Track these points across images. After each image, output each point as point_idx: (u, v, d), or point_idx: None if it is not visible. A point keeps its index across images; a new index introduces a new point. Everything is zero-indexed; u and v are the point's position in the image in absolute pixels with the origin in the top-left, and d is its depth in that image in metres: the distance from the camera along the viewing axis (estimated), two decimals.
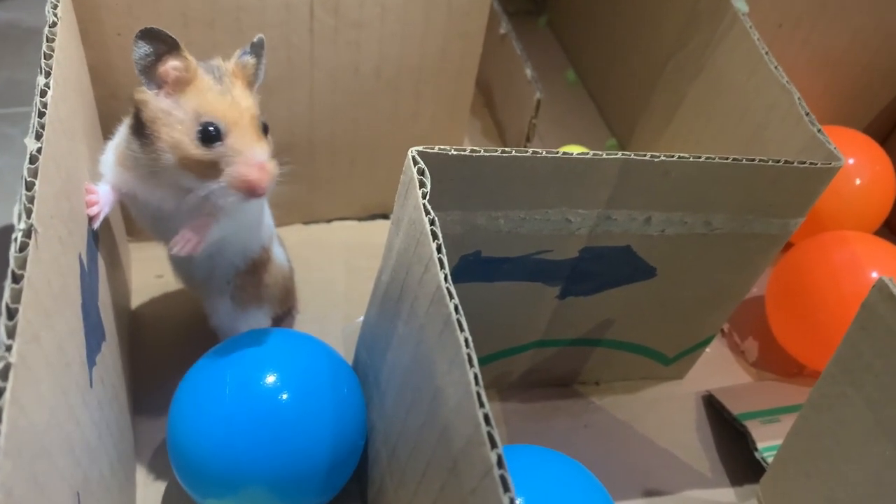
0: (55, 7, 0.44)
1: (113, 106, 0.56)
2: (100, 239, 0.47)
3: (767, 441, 0.55)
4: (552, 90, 0.87)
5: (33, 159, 0.35)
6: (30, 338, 0.30)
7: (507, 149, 0.41)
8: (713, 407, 0.61)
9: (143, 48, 0.42)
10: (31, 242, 0.32)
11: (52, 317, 0.33)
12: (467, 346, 0.33)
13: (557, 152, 0.42)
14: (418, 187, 0.38)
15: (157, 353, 0.59)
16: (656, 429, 0.60)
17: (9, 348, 0.28)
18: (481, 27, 0.61)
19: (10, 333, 0.28)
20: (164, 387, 0.56)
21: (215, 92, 0.42)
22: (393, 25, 0.58)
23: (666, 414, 0.61)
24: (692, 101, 0.64)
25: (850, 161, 0.68)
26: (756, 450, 0.54)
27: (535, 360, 0.57)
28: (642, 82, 0.75)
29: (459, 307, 0.34)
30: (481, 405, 0.31)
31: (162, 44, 0.42)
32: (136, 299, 0.62)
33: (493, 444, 0.30)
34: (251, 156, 0.42)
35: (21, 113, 0.78)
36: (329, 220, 0.71)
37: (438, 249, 0.36)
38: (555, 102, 0.86)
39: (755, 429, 0.56)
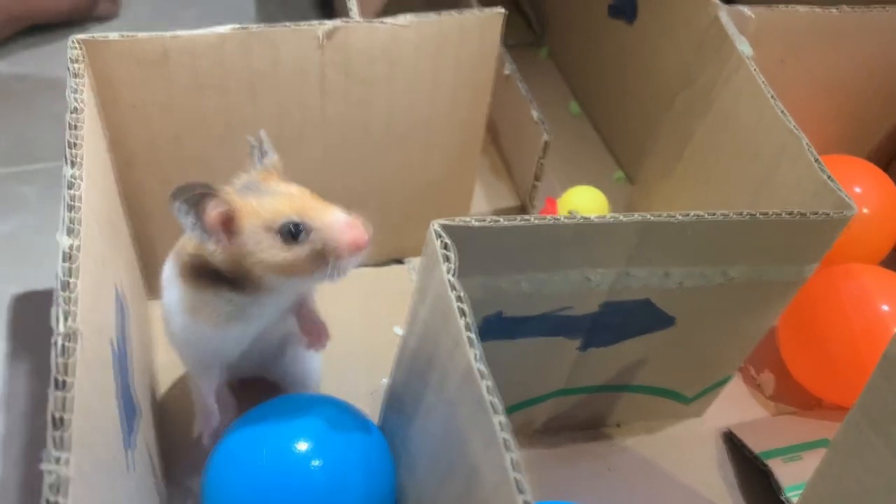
0: (76, 92, 0.45)
1: (128, 174, 0.57)
2: (126, 314, 0.48)
3: (791, 481, 0.55)
4: (556, 122, 0.87)
5: (67, 257, 0.36)
6: (82, 445, 0.30)
7: (526, 217, 0.42)
8: (734, 444, 0.62)
9: (183, 208, 0.41)
10: (78, 347, 0.32)
11: (97, 412, 0.34)
12: (502, 429, 0.33)
13: (578, 218, 0.43)
14: (443, 262, 0.39)
15: (183, 415, 0.59)
16: (679, 469, 0.60)
17: (65, 461, 0.28)
18: (489, 77, 0.62)
19: (64, 444, 0.29)
20: (194, 449, 0.56)
21: (267, 200, 0.42)
22: (401, 82, 0.59)
23: (688, 453, 0.61)
24: (701, 138, 0.65)
25: (857, 190, 0.69)
26: (781, 491, 0.55)
27: (557, 407, 0.58)
28: (649, 116, 0.76)
29: (493, 387, 0.35)
30: (521, 491, 0.32)
31: (195, 195, 0.41)
32: (161, 360, 0.62)
33: None
34: (336, 221, 0.42)
35: (32, 171, 0.78)
36: None
37: (467, 328, 0.37)
38: (559, 135, 0.86)
39: (778, 468, 0.56)
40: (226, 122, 0.56)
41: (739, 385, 0.67)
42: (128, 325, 0.47)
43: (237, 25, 0.52)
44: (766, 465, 0.57)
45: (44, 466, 0.28)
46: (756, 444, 0.59)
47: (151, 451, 0.49)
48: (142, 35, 0.51)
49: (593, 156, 0.87)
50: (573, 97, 0.93)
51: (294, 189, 0.44)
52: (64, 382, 0.31)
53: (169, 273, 0.47)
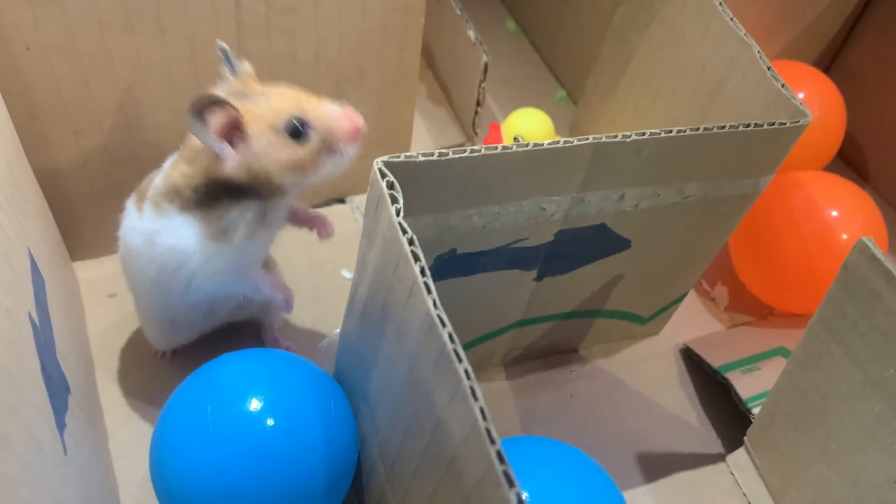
0: None
1: (32, 128, 0.51)
2: (45, 281, 0.43)
3: (750, 391, 0.56)
4: (493, 43, 0.84)
5: None
6: (2, 444, 0.27)
7: (476, 148, 0.39)
8: (692, 359, 0.62)
9: (195, 123, 0.40)
10: None
11: (17, 406, 0.30)
12: (468, 377, 0.31)
13: (528, 145, 0.40)
14: (390, 203, 0.36)
15: (124, 378, 0.56)
16: (640, 389, 0.60)
17: None
18: None
19: None
20: (139, 411, 0.54)
21: (263, 103, 0.42)
22: (328, 7, 0.54)
23: (647, 373, 0.61)
24: (646, 52, 0.62)
25: (800, 95, 0.68)
26: (741, 402, 0.55)
27: (515, 339, 0.57)
28: (589, 32, 0.73)
29: (454, 335, 0.32)
30: (492, 442, 0.30)
31: (199, 106, 0.40)
32: (92, 325, 0.58)
33: (511, 484, 0.29)
34: (331, 113, 0.43)
35: None
36: None
37: (422, 273, 0.34)
38: (497, 56, 0.83)
39: (737, 380, 0.57)
40: (134, 64, 0.50)
41: (694, 300, 0.67)
42: (47, 294, 0.43)
43: None
44: (725, 379, 0.57)
45: None
46: (714, 359, 0.59)
47: (92, 428, 0.46)
48: None
49: (533, 76, 0.84)
50: (509, 14, 0.89)
51: (283, 88, 0.44)
52: None
53: (161, 221, 0.45)
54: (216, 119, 0.41)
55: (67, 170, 0.55)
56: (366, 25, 0.57)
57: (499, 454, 0.30)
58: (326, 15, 0.54)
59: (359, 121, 0.44)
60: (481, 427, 0.30)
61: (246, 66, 0.45)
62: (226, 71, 0.45)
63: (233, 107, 0.41)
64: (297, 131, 0.43)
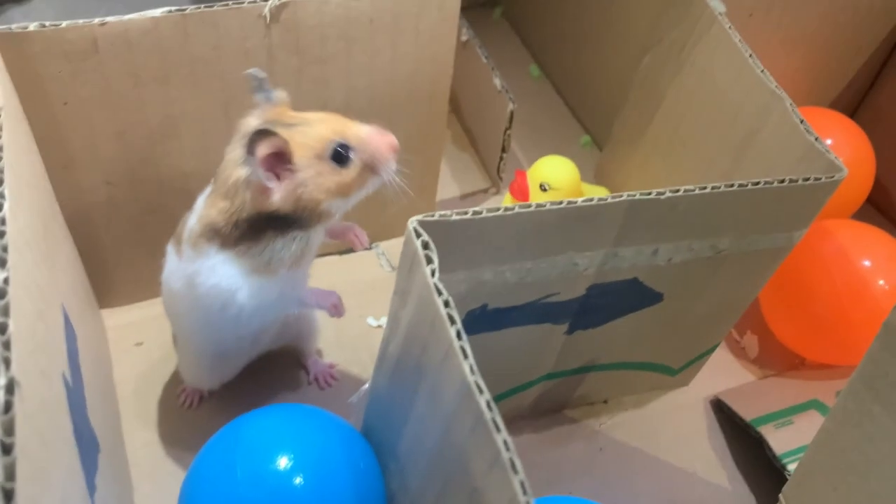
0: None
1: (65, 177, 0.52)
2: (76, 334, 0.43)
3: (785, 447, 0.54)
4: (516, 87, 0.83)
5: (1, 293, 0.31)
6: None
7: (510, 206, 0.39)
8: (722, 411, 0.61)
9: (249, 156, 0.41)
10: (16, 399, 0.28)
11: (50, 472, 0.30)
12: (507, 448, 0.31)
13: (562, 203, 0.40)
14: (425, 264, 0.36)
15: (150, 428, 0.55)
16: (670, 442, 0.59)
17: None
18: (450, 47, 0.58)
19: None
20: (165, 463, 0.53)
21: (304, 131, 0.43)
22: (359, 57, 0.55)
23: (678, 425, 0.60)
24: (674, 100, 0.62)
25: (828, 142, 0.67)
26: (776, 458, 0.54)
27: (544, 390, 0.56)
28: (616, 77, 0.73)
29: (492, 403, 0.32)
30: None
31: (250, 141, 0.40)
32: (119, 373, 0.58)
33: None
34: (368, 134, 0.44)
35: None
36: None
37: (459, 336, 0.34)
38: (521, 101, 0.82)
39: (770, 434, 0.55)
40: (167, 115, 0.51)
41: (722, 349, 0.65)
42: (79, 348, 0.43)
43: (172, 8, 0.47)
44: (758, 434, 0.56)
45: None
46: (746, 411, 0.58)
47: (120, 486, 0.45)
48: (66, 24, 0.45)
49: (557, 121, 0.84)
50: (532, 59, 0.89)
51: (321, 115, 0.45)
52: (12, 445, 0.27)
53: (201, 261, 0.45)
54: (263, 150, 0.41)
55: (98, 218, 0.55)
56: (395, 76, 0.57)
57: None
58: (357, 66, 0.55)
59: (391, 136, 0.45)
60: (521, 502, 0.29)
61: (281, 95, 0.45)
62: (260, 100, 0.45)
63: (281, 137, 0.41)
64: (340, 156, 0.43)
